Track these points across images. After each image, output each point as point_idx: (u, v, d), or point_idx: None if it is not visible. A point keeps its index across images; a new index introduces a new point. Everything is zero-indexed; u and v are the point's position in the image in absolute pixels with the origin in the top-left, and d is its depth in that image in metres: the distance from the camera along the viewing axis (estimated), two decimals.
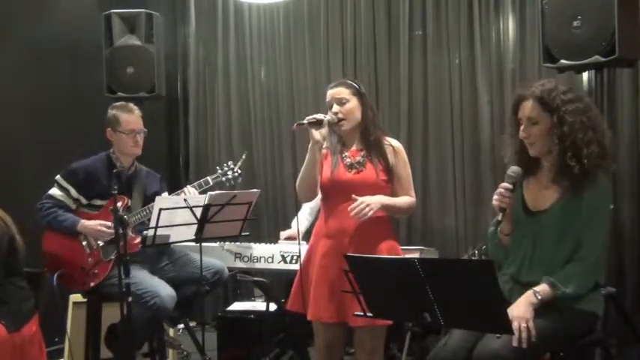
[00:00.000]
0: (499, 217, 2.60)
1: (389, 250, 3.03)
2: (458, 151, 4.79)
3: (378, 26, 5.05)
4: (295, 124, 2.97)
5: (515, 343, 2.35)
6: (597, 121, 2.62)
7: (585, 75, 3.90)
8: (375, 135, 3.09)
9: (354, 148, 3.10)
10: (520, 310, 2.44)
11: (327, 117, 3.00)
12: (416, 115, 4.94)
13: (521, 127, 2.62)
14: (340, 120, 3.03)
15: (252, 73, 5.56)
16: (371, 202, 2.93)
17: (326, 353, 3.12)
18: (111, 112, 3.73)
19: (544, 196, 2.64)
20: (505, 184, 2.59)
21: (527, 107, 2.60)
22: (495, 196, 2.60)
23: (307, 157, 2.99)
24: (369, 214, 2.92)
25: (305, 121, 2.95)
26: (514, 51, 4.64)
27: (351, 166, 3.06)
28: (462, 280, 2.18)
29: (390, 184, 3.07)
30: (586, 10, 3.51)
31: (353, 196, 2.95)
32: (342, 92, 3.06)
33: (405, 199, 3.11)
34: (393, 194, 3.09)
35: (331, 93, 3.08)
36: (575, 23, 3.54)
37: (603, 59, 3.47)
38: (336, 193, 3.04)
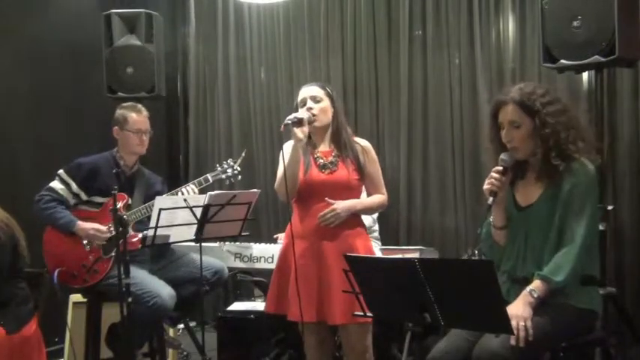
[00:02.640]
0: (489, 201, 2.58)
1: (364, 249, 3.12)
2: (458, 151, 4.79)
3: (378, 26, 5.05)
4: (282, 126, 3.01)
5: (512, 342, 2.36)
6: (577, 119, 2.67)
7: (585, 75, 3.90)
8: (346, 137, 3.17)
9: (325, 148, 3.16)
10: (519, 309, 2.44)
11: (305, 115, 3.04)
12: (416, 115, 4.93)
13: (504, 131, 2.63)
14: (314, 115, 3.09)
15: (252, 73, 5.56)
16: (340, 212, 3.03)
17: (318, 350, 3.17)
18: (119, 111, 3.79)
19: (531, 191, 2.66)
20: (496, 168, 2.60)
21: (508, 111, 2.62)
22: (487, 180, 2.60)
23: (290, 155, 3.03)
24: (336, 222, 3.03)
25: (289, 121, 2.98)
26: (514, 51, 4.64)
27: (324, 167, 3.12)
28: (462, 280, 2.18)
29: (361, 182, 3.16)
30: (586, 10, 3.50)
31: (326, 199, 3.04)
32: (317, 91, 3.15)
33: (376, 198, 3.21)
34: (366, 193, 3.22)
35: (306, 91, 3.16)
36: (575, 23, 3.53)
37: (603, 59, 3.47)
38: (311, 194, 3.09)
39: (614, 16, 3.39)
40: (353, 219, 3.12)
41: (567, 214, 2.55)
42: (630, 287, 4.19)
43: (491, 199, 2.57)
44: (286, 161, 3.02)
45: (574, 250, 2.51)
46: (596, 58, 3.48)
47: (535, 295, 2.48)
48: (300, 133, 2.98)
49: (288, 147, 3.07)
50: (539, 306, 2.48)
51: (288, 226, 3.15)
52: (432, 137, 4.89)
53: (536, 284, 2.50)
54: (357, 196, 3.17)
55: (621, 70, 4.01)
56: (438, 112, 4.87)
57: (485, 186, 2.60)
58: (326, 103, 3.14)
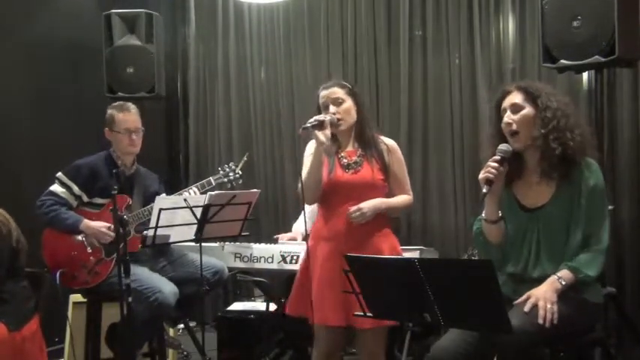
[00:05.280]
0: (484, 190, 2.55)
1: (390, 250, 3.06)
2: (458, 151, 4.79)
3: (378, 26, 5.05)
4: (301, 129, 2.95)
5: (540, 320, 2.36)
6: (577, 114, 2.68)
7: (585, 75, 3.90)
8: (370, 134, 3.11)
9: (349, 148, 3.11)
10: (546, 292, 2.45)
11: (327, 117, 2.98)
12: (416, 115, 4.93)
13: (505, 116, 2.63)
14: (338, 120, 3.02)
15: (252, 73, 5.56)
16: (366, 211, 2.98)
17: (326, 356, 3.10)
18: (108, 111, 3.78)
19: (538, 192, 2.64)
20: (494, 157, 2.59)
21: (513, 96, 2.65)
22: (483, 169, 2.58)
23: (312, 159, 2.97)
24: (362, 221, 2.98)
25: (309, 125, 2.93)
26: (514, 51, 4.64)
27: (348, 167, 3.07)
28: (462, 280, 2.18)
29: (387, 182, 3.10)
30: (586, 10, 3.50)
31: (349, 209, 2.99)
32: (337, 92, 3.06)
33: (403, 198, 3.15)
34: (391, 193, 3.13)
35: (326, 94, 3.07)
36: (575, 23, 3.53)
37: (603, 59, 3.47)
38: (335, 195, 3.04)
39: (614, 16, 3.39)
40: (379, 219, 3.05)
41: (593, 212, 2.56)
42: (630, 287, 4.19)
43: (486, 187, 2.55)
44: (309, 165, 2.95)
45: (603, 249, 2.55)
46: (596, 58, 3.48)
47: (563, 283, 2.48)
48: (322, 136, 2.91)
49: (311, 147, 3.00)
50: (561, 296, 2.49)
51: (313, 227, 3.12)
52: (432, 137, 4.90)
53: (564, 273, 2.51)
54: (382, 196, 3.09)
55: (621, 70, 4.01)
56: (438, 112, 4.87)
57: (482, 175, 2.57)
58: (348, 103, 3.06)
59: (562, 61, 3.62)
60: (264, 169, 5.49)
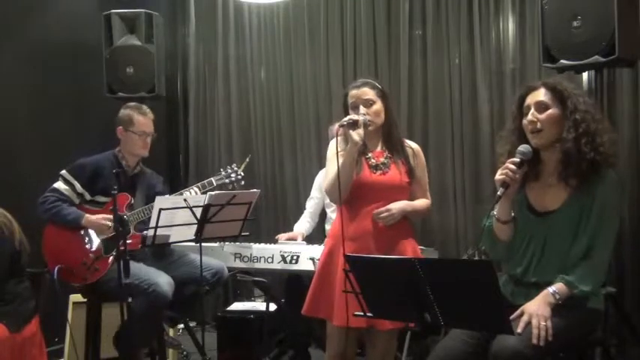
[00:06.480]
0: (499, 192, 2.51)
1: (413, 253, 3.04)
2: (458, 151, 4.79)
3: (378, 26, 5.05)
4: (337, 126, 2.90)
5: (534, 340, 2.34)
6: (605, 119, 2.65)
7: (585, 75, 3.90)
8: (398, 137, 3.09)
9: (376, 149, 3.08)
10: (539, 308, 2.42)
11: (360, 118, 2.94)
12: (416, 115, 4.94)
13: (528, 114, 2.58)
14: (369, 121, 2.98)
15: (252, 73, 5.57)
16: (395, 212, 2.97)
17: (341, 357, 3.06)
18: (125, 111, 3.77)
19: (551, 196, 2.60)
20: (513, 159, 2.53)
21: (539, 94, 2.58)
22: (501, 171, 2.53)
23: (345, 158, 2.91)
24: (390, 222, 2.96)
25: (344, 123, 2.89)
26: (514, 51, 4.64)
27: (376, 167, 3.03)
28: (462, 280, 2.18)
29: (410, 185, 3.08)
30: (586, 10, 3.50)
31: (376, 210, 2.97)
32: (368, 93, 3.02)
33: (424, 203, 3.15)
34: (413, 196, 3.11)
35: (356, 94, 3.03)
36: (575, 23, 3.53)
37: (603, 59, 3.47)
38: (362, 195, 3.00)
39: (614, 16, 3.39)
40: (403, 222, 3.04)
41: (599, 226, 2.52)
42: (630, 287, 4.19)
43: (501, 189, 2.50)
44: (340, 163, 2.88)
45: (602, 262, 2.53)
46: (596, 58, 3.49)
47: (557, 297, 2.46)
48: (357, 135, 2.88)
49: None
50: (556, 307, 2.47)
51: (334, 227, 3.08)
52: (432, 137, 4.89)
53: (559, 287, 2.47)
54: (407, 199, 3.07)
55: (621, 70, 4.01)
56: (438, 112, 4.87)
57: (498, 176, 2.52)
58: (379, 105, 3.01)
59: (562, 61, 3.62)
60: (264, 169, 5.49)
